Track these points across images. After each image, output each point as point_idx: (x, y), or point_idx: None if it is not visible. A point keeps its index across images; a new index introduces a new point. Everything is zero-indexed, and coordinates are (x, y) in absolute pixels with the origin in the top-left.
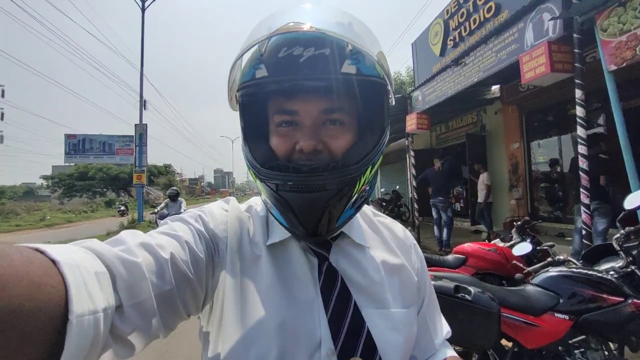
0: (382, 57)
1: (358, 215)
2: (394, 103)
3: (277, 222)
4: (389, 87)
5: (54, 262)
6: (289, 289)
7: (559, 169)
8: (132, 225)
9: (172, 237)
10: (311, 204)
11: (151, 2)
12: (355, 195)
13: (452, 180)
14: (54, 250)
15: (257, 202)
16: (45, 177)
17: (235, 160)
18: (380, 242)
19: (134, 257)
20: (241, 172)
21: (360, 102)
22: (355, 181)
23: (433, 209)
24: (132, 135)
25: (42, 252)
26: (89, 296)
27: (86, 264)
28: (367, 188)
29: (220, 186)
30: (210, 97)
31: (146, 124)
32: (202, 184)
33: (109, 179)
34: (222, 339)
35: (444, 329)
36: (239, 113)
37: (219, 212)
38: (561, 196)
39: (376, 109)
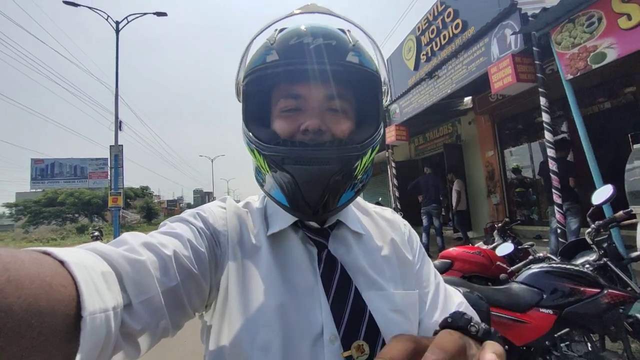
0: (379, 53)
1: (353, 206)
2: (387, 102)
3: (279, 205)
4: (384, 86)
5: (62, 262)
6: (288, 277)
7: (531, 174)
8: None
9: (173, 235)
10: (315, 178)
11: (125, 24)
12: (356, 178)
13: (440, 188)
14: (60, 252)
15: (254, 199)
16: (7, 205)
17: (215, 179)
18: (375, 228)
19: (139, 255)
20: (221, 192)
21: (359, 92)
22: (357, 161)
23: (424, 216)
24: (106, 158)
25: (48, 254)
26: (99, 295)
27: (92, 264)
28: (365, 176)
29: None
30: (187, 116)
31: (122, 145)
32: (181, 205)
33: (80, 203)
34: (226, 330)
35: (454, 302)
36: (243, 98)
37: (217, 209)
38: (535, 200)
39: (372, 101)
